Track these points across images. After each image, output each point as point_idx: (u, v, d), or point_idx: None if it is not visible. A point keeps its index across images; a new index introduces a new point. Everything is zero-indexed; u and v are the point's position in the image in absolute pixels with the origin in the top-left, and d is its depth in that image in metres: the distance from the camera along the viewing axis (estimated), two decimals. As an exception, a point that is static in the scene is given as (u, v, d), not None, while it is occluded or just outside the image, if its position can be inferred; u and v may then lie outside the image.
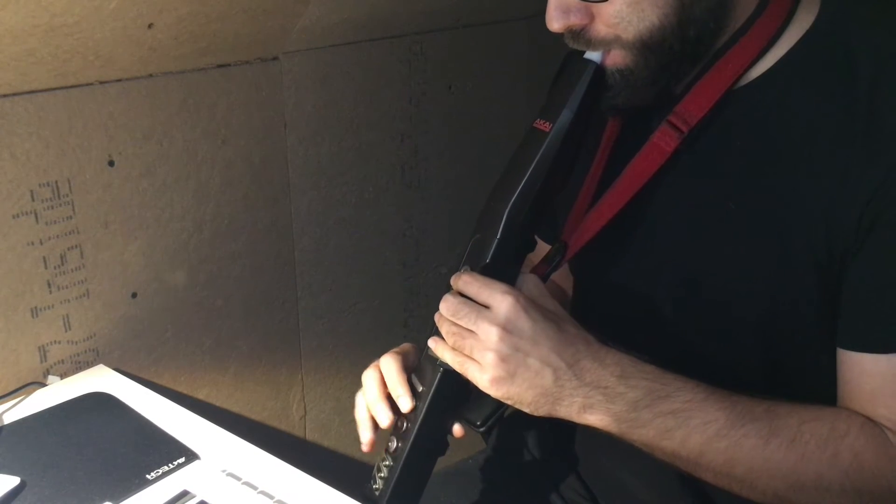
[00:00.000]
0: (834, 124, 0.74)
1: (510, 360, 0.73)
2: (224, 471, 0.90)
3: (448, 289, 0.79)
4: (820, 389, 0.80)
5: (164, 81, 1.12)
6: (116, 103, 1.08)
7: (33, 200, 1.02)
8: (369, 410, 0.85)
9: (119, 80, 1.07)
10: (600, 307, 0.97)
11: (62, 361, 1.10)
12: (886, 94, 0.73)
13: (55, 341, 1.08)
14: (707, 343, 0.85)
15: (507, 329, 0.73)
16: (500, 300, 0.74)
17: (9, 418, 0.99)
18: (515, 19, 1.66)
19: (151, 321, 1.19)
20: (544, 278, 0.87)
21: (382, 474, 0.83)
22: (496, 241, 0.78)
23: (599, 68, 0.78)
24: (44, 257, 1.05)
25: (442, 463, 0.86)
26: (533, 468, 1.08)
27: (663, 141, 0.81)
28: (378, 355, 0.88)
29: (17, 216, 1.01)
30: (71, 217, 1.06)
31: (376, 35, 1.39)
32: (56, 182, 1.04)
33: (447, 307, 0.76)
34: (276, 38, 1.22)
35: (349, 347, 1.50)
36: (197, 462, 0.92)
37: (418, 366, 0.85)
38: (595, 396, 0.75)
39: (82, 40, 0.97)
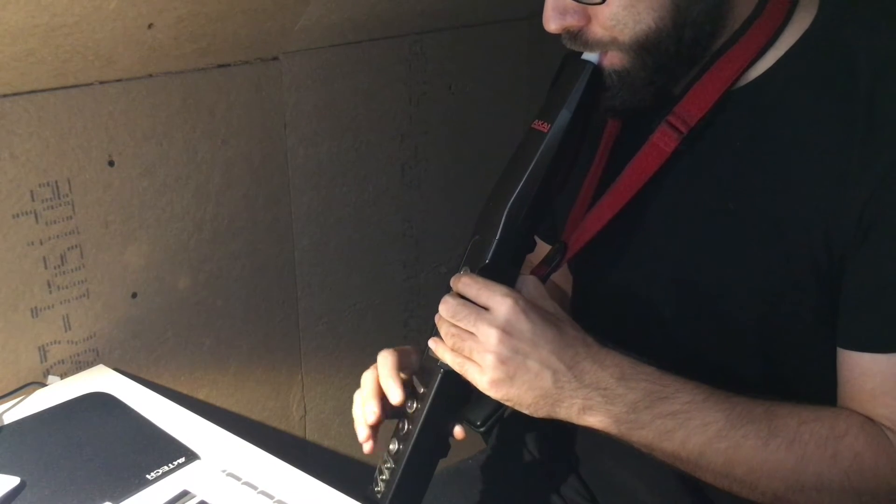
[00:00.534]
0: (833, 124, 0.74)
1: (510, 362, 0.74)
2: (224, 471, 0.90)
3: (448, 289, 0.79)
4: (819, 389, 0.80)
5: (164, 81, 1.12)
6: (116, 103, 1.08)
7: (33, 200, 1.02)
8: (361, 407, 0.86)
9: (119, 80, 1.07)
10: (600, 307, 0.97)
11: (62, 361, 1.10)
12: (885, 94, 0.73)
13: (55, 341, 1.08)
14: (706, 343, 0.85)
15: (506, 331, 0.74)
16: (500, 302, 0.74)
17: (9, 418, 0.99)
18: (515, 19, 1.66)
19: (151, 321, 1.19)
20: (544, 279, 0.87)
21: (384, 476, 0.83)
22: (495, 241, 0.78)
23: (597, 69, 0.79)
24: (44, 257, 1.05)
25: (442, 463, 0.86)
26: (533, 468, 1.08)
27: (662, 141, 0.81)
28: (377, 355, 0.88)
29: (17, 216, 1.01)
30: (71, 217, 1.06)
31: (376, 35, 1.39)
32: (56, 182, 1.04)
33: (446, 309, 0.76)
34: (276, 38, 1.22)
35: (349, 347, 1.50)
36: (197, 462, 0.92)
37: (419, 367, 0.85)
38: (594, 398, 0.75)
39: (82, 40, 0.97)
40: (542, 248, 0.90)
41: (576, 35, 0.78)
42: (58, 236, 1.05)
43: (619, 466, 0.97)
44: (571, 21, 0.77)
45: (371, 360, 0.88)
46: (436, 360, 0.79)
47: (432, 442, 0.82)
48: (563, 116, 0.78)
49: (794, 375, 0.83)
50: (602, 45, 0.78)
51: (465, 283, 0.77)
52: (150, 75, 1.11)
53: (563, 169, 0.80)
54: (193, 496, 0.86)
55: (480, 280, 0.76)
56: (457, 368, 0.77)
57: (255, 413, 1.37)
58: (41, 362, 1.08)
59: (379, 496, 0.84)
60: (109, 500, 0.84)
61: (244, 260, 1.29)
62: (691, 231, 0.84)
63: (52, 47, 0.95)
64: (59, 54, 0.97)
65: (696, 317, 0.85)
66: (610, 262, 0.91)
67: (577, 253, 0.87)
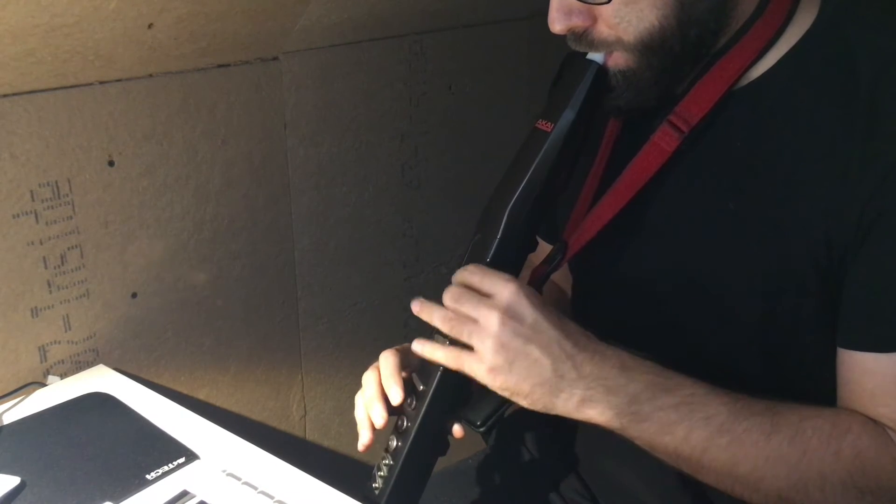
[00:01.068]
0: (834, 124, 0.74)
1: (510, 346, 0.73)
2: (224, 471, 0.90)
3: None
4: (820, 389, 0.80)
5: (164, 81, 1.12)
6: (116, 103, 1.08)
7: (33, 200, 1.02)
8: (366, 410, 0.85)
9: (119, 80, 1.07)
10: (600, 307, 0.97)
11: (62, 361, 1.10)
12: (886, 94, 0.73)
13: (55, 341, 1.08)
14: (707, 343, 0.85)
15: (508, 314, 0.73)
16: (503, 286, 0.74)
17: (9, 418, 0.99)
18: (515, 19, 1.66)
19: (151, 321, 1.19)
20: (544, 278, 0.87)
21: (382, 473, 0.83)
22: (497, 240, 0.78)
23: (602, 69, 0.78)
24: (44, 257, 1.05)
25: (442, 463, 0.86)
26: (533, 468, 1.08)
27: (664, 141, 0.81)
28: (378, 355, 0.88)
29: (17, 216, 1.01)
30: (71, 217, 1.06)
31: (376, 35, 1.39)
32: (56, 182, 1.04)
33: (450, 295, 0.76)
34: (276, 38, 1.22)
35: (349, 347, 1.50)
36: (197, 462, 0.92)
37: (419, 365, 0.85)
38: (595, 389, 0.74)
39: (82, 40, 0.97)
40: (543, 248, 0.90)
41: (581, 35, 0.78)
42: (58, 236, 1.05)
43: (619, 466, 0.97)
44: (577, 21, 0.77)
45: (371, 360, 0.88)
46: None
47: (431, 440, 0.83)
48: (567, 116, 0.78)
49: (795, 375, 0.83)
50: (607, 45, 0.77)
51: (469, 271, 0.77)
52: (150, 75, 1.11)
53: (565, 169, 0.80)
54: (193, 496, 0.86)
55: (483, 268, 0.76)
56: (452, 364, 0.76)
57: (255, 413, 1.37)
58: (41, 362, 1.08)
59: (377, 493, 0.84)
60: (109, 500, 0.84)
61: (244, 260, 1.29)
62: (692, 230, 0.84)
63: (51, 47, 0.95)
64: (59, 54, 0.97)
65: (696, 316, 0.85)
66: (611, 261, 0.91)
67: (577, 252, 0.87)
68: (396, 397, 0.82)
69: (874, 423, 0.75)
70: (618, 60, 0.78)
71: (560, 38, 0.81)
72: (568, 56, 0.85)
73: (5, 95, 0.97)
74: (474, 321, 0.74)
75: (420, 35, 1.47)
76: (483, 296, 0.75)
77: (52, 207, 1.04)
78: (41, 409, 1.01)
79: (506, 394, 0.76)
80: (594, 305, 0.98)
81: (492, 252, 0.78)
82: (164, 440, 0.95)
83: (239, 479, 0.89)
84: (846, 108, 0.74)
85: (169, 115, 1.14)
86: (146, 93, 1.10)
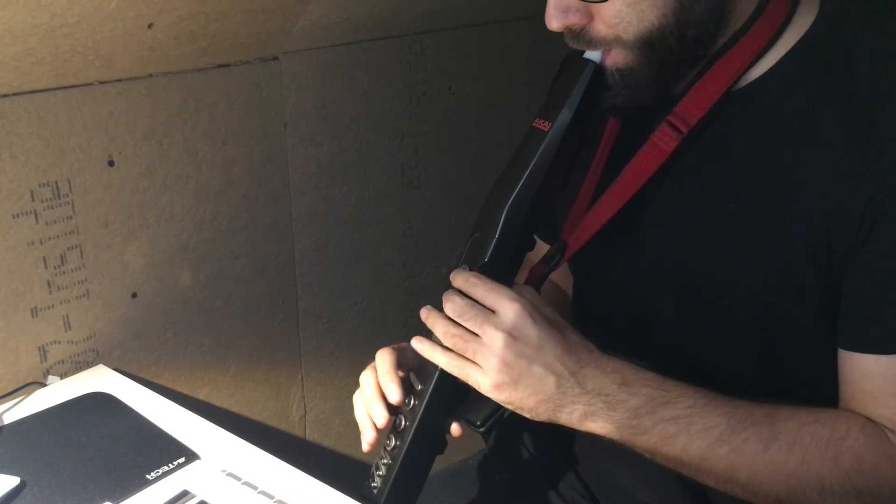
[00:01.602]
0: (834, 125, 0.74)
1: (514, 366, 0.74)
2: (224, 471, 0.90)
3: (448, 287, 0.79)
4: (820, 390, 0.80)
5: (164, 81, 1.12)
6: (116, 103, 1.08)
7: (33, 200, 1.02)
8: (367, 410, 0.85)
9: (119, 80, 1.07)
10: (599, 307, 0.97)
11: (62, 361, 1.10)
12: (886, 94, 0.73)
13: (55, 341, 1.08)
14: (706, 343, 0.85)
15: (512, 335, 0.74)
16: (508, 307, 0.74)
17: (9, 418, 0.99)
18: (515, 19, 1.66)
19: (151, 321, 1.19)
20: (543, 278, 0.87)
21: (381, 472, 0.83)
22: (495, 239, 0.78)
23: (599, 68, 0.79)
24: (44, 257, 1.05)
25: (442, 463, 0.87)
26: (533, 468, 1.08)
27: (663, 141, 0.81)
28: (377, 356, 0.88)
29: (17, 216, 1.01)
30: (71, 217, 1.06)
31: (376, 35, 1.39)
32: (56, 182, 1.04)
33: (453, 308, 0.76)
34: (276, 38, 1.22)
35: (349, 347, 1.50)
36: (197, 462, 0.92)
37: (417, 364, 0.85)
38: (597, 404, 0.75)
39: (82, 40, 0.97)
40: (542, 248, 0.90)
41: (578, 33, 0.78)
42: (58, 236, 1.05)
43: (619, 466, 0.97)
44: (574, 19, 0.77)
45: (371, 360, 0.88)
46: None
47: (429, 439, 0.83)
48: (565, 116, 0.78)
49: (795, 376, 0.83)
50: (605, 44, 0.78)
51: (472, 283, 0.77)
52: (150, 75, 1.11)
53: (563, 168, 0.80)
54: (193, 496, 0.86)
55: (488, 281, 0.76)
56: (456, 372, 0.76)
57: (255, 413, 1.37)
58: (41, 362, 1.08)
59: (375, 492, 0.84)
60: (109, 500, 0.84)
61: (244, 260, 1.29)
62: (691, 231, 0.84)
63: (51, 47, 0.95)
64: (59, 54, 0.97)
65: (695, 316, 0.85)
66: (610, 261, 0.91)
67: (576, 252, 0.87)
68: (394, 396, 0.82)
69: (873, 425, 0.75)
70: (616, 58, 0.78)
71: (560, 38, 0.81)
72: (568, 55, 0.85)
73: (5, 95, 0.97)
74: (478, 338, 0.75)
75: (420, 35, 1.47)
76: (487, 309, 0.75)
77: (52, 207, 1.04)
78: (41, 409, 1.01)
79: (510, 407, 0.77)
80: (594, 304, 0.98)
81: (490, 251, 0.78)
82: (164, 440, 0.95)
83: (239, 479, 0.89)
84: (846, 108, 0.74)
85: (169, 115, 1.14)
86: (146, 93, 1.10)
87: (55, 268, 1.06)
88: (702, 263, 0.83)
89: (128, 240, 1.13)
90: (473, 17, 1.55)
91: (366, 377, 0.87)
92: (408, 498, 0.85)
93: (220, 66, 1.18)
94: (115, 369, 1.13)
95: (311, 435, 1.49)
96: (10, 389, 1.04)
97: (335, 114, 1.37)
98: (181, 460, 0.91)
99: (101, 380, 1.09)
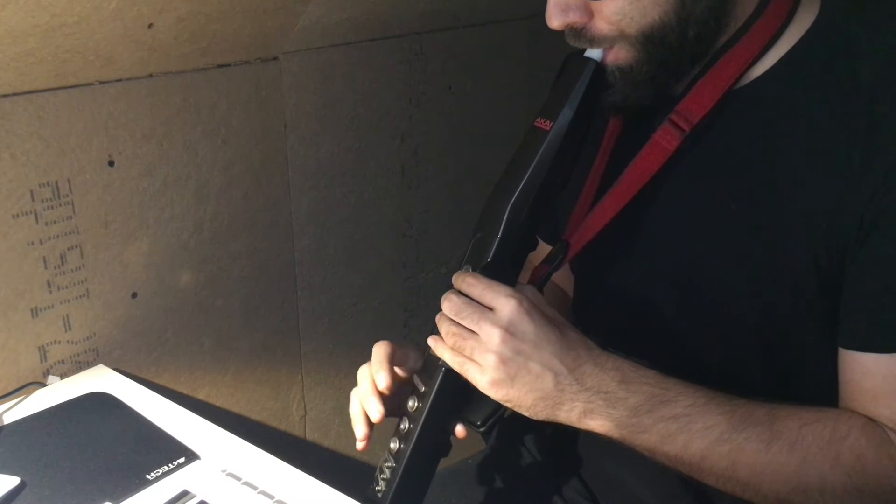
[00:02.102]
0: (835, 124, 0.74)
1: (511, 362, 0.74)
2: (224, 471, 0.90)
3: (450, 287, 0.79)
4: (820, 390, 0.80)
5: (164, 81, 1.12)
6: (116, 103, 1.07)
7: (33, 200, 1.02)
8: (362, 405, 0.86)
9: (119, 80, 1.07)
10: (601, 306, 0.97)
11: (62, 361, 1.10)
12: (887, 93, 0.73)
13: (55, 341, 1.08)
14: (707, 342, 0.85)
15: (509, 331, 0.74)
16: (504, 303, 0.74)
17: (9, 418, 0.99)
18: (515, 19, 1.66)
19: (151, 321, 1.19)
20: (545, 278, 0.87)
21: (385, 475, 0.83)
22: (497, 239, 0.78)
23: (599, 66, 0.79)
24: (44, 257, 1.05)
25: (442, 463, 0.86)
26: (533, 468, 1.08)
27: (665, 140, 0.81)
28: (377, 355, 0.88)
29: (17, 216, 1.01)
30: (71, 217, 1.06)
31: (376, 35, 1.39)
32: (56, 182, 1.04)
33: (450, 306, 0.76)
34: (276, 38, 1.22)
35: (349, 347, 1.50)
36: (197, 462, 0.92)
37: (421, 366, 0.85)
38: (596, 401, 0.75)
39: (82, 40, 0.97)
40: (544, 248, 0.90)
41: (579, 32, 0.78)
42: (58, 236, 1.05)
43: (620, 467, 0.97)
44: (574, 17, 0.77)
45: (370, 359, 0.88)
46: (437, 358, 0.79)
47: (433, 440, 0.82)
48: (566, 115, 0.78)
49: (795, 375, 0.83)
50: (607, 41, 0.78)
51: (470, 283, 0.77)
52: (150, 75, 1.11)
53: (565, 167, 0.80)
54: (193, 496, 0.86)
55: (485, 280, 0.76)
56: (456, 367, 0.77)
57: (255, 413, 1.37)
58: (41, 362, 1.08)
59: (380, 495, 0.83)
60: (109, 500, 0.84)
61: (244, 260, 1.29)
62: (693, 230, 0.84)
63: (51, 47, 0.95)
64: (59, 54, 0.97)
65: (697, 315, 0.85)
66: (612, 260, 0.91)
67: (578, 252, 0.87)
68: (382, 383, 0.82)
69: (874, 425, 0.75)
70: (617, 55, 0.78)
71: (560, 38, 0.81)
72: (569, 55, 0.85)
73: (5, 95, 0.97)
74: (476, 336, 0.75)
75: (420, 35, 1.47)
76: (485, 307, 0.75)
77: (52, 207, 1.04)
78: (41, 409, 1.01)
79: (508, 405, 0.77)
80: (595, 304, 0.98)
81: (492, 251, 0.78)
82: (164, 440, 0.95)
83: (239, 479, 0.89)
84: (846, 108, 0.74)
85: (169, 115, 1.14)
86: (146, 93, 1.10)
87: (55, 268, 1.06)
88: (703, 262, 0.83)
89: (128, 240, 1.13)
90: (473, 17, 1.55)
91: (362, 372, 0.87)
92: (413, 500, 0.85)
93: (220, 66, 1.18)
94: (115, 369, 1.12)
95: (311, 435, 1.49)
96: (10, 389, 1.04)
97: (335, 114, 1.37)
98: (181, 460, 0.91)
99: (101, 380, 1.09)
